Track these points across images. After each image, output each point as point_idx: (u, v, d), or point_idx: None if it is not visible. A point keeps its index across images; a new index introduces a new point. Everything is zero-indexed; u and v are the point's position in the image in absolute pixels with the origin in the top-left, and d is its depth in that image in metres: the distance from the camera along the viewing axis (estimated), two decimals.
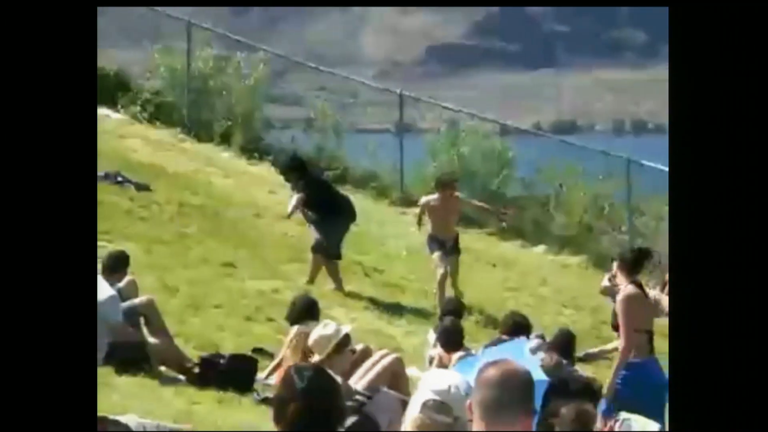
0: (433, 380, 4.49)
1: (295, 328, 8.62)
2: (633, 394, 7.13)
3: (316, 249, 12.19)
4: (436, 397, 4.36)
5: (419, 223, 13.21)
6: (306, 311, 8.99)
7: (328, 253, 12.21)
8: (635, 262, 8.18)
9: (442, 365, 8.99)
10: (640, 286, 8.02)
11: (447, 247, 12.70)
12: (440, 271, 12.46)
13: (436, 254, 12.60)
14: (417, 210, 13.41)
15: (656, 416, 6.03)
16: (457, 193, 13.18)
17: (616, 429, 4.70)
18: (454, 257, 12.76)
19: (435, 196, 12.92)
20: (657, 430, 4.74)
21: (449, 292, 12.24)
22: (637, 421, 4.82)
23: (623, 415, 4.91)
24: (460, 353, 9.35)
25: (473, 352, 9.67)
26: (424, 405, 4.37)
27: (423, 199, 13.29)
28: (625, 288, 7.88)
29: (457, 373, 5.12)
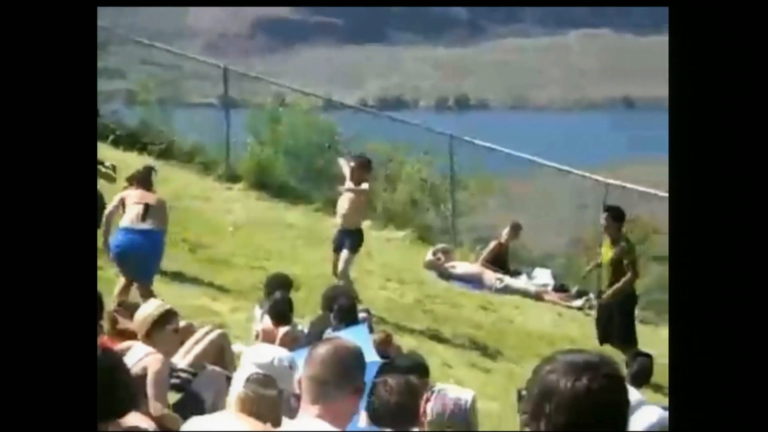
0: (255, 354, 4.51)
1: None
2: None
3: None
4: (259, 371, 4.38)
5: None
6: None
7: None
8: None
9: (269, 340, 9.00)
10: None
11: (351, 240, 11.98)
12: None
13: (344, 251, 11.90)
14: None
15: None
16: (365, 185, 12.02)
17: (432, 399, 4.82)
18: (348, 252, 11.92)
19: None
20: (471, 396, 4.89)
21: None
22: (452, 390, 4.96)
23: (438, 386, 5.05)
24: (286, 328, 9.38)
25: (299, 327, 9.73)
26: (248, 379, 4.39)
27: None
28: None
29: (281, 348, 5.15)
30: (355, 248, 11.99)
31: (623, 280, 11.72)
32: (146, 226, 10.06)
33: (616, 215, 11.97)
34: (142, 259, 10.02)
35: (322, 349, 3.83)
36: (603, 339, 11.95)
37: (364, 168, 12.07)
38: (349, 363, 3.82)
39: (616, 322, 11.87)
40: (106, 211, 10.11)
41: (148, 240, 10.07)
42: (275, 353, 4.54)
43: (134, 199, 10.25)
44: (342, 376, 3.77)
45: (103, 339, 7.47)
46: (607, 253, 11.97)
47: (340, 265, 11.86)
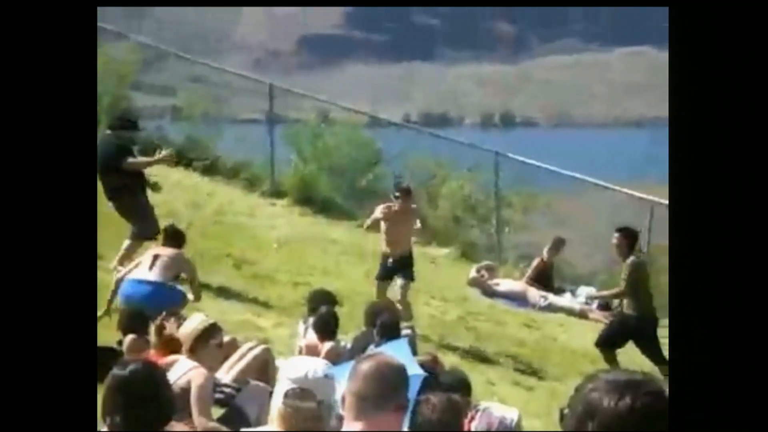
0: (290, 368, 4.51)
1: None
2: None
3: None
4: (295, 385, 4.38)
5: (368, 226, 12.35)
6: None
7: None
8: None
9: (313, 355, 9.00)
10: None
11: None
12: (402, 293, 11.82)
13: (400, 279, 11.94)
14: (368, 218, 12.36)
15: None
16: (413, 204, 12.31)
17: (477, 418, 4.81)
18: (405, 281, 11.99)
19: (389, 206, 12.05)
20: (516, 414, 4.88)
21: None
22: (497, 408, 4.94)
23: (482, 404, 5.03)
24: (331, 343, 9.39)
25: (342, 342, 9.73)
26: (286, 395, 4.39)
27: (376, 214, 12.18)
28: None
29: (317, 359, 5.15)
30: (412, 276, 12.10)
31: (612, 291, 11.92)
32: (151, 277, 10.15)
33: (627, 235, 11.94)
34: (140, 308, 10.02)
35: (364, 366, 3.83)
36: (599, 342, 12.08)
37: (408, 194, 12.20)
38: (391, 379, 3.81)
39: (642, 345, 11.89)
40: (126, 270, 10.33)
41: (149, 290, 10.11)
42: (309, 365, 4.53)
43: (151, 252, 10.47)
44: (384, 393, 3.76)
45: (150, 353, 7.53)
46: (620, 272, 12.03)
47: (401, 294, 11.90)
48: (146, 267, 10.21)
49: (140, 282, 10.07)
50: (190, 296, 10.47)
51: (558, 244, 16.36)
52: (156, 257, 10.31)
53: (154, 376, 4.20)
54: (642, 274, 11.88)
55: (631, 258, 11.84)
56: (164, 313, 8.14)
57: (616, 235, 11.97)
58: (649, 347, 11.80)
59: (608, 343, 12.00)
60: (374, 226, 12.25)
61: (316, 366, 4.44)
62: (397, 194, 12.22)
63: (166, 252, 10.47)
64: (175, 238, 10.79)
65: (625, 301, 11.98)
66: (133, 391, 4.03)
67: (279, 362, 8.69)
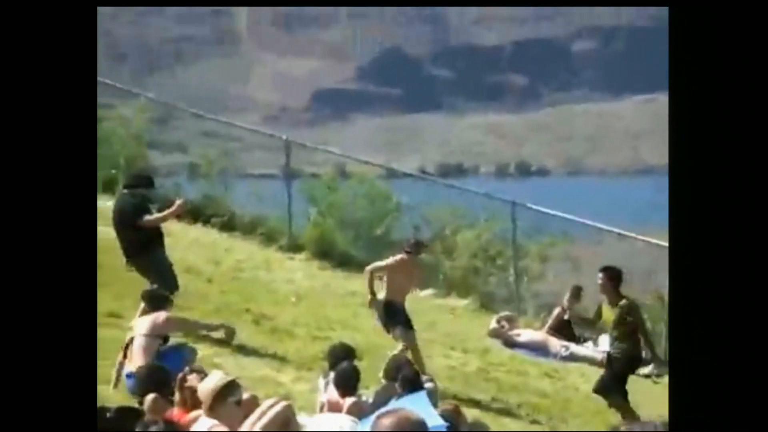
0: (315, 426, 4.47)
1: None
2: None
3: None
4: None
5: (371, 289, 12.09)
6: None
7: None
8: None
9: (335, 411, 8.95)
10: None
11: (405, 316, 12.02)
12: (405, 345, 11.74)
13: (399, 328, 11.90)
14: (368, 275, 12.15)
15: None
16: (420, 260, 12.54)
17: None
18: (413, 331, 12.04)
19: (399, 257, 12.10)
20: None
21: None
22: None
23: None
24: (353, 398, 9.33)
25: (364, 397, 9.67)
26: None
27: (384, 263, 12.23)
28: None
29: (341, 415, 5.11)
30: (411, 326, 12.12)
31: (633, 343, 11.74)
32: (130, 368, 9.68)
33: (611, 275, 11.87)
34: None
35: (385, 421, 3.89)
36: (597, 389, 12.06)
37: (417, 247, 12.34)
38: None
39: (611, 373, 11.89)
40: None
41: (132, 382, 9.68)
42: (334, 423, 4.49)
43: (127, 338, 10.03)
44: None
45: (173, 412, 7.48)
46: (608, 314, 11.90)
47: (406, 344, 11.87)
48: (127, 359, 9.83)
49: (129, 376, 9.69)
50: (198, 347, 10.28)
51: (577, 293, 16.29)
52: (127, 346, 9.87)
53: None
54: (636, 317, 11.81)
55: (623, 300, 11.78)
56: (186, 369, 8.09)
57: (600, 275, 11.90)
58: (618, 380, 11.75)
59: (606, 389, 11.91)
60: (379, 272, 12.24)
61: (342, 423, 4.40)
62: (408, 249, 12.26)
63: (141, 328, 9.93)
64: (153, 301, 10.40)
65: (615, 344, 11.91)
66: None
67: (300, 418, 8.64)
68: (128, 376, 9.71)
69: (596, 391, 12.09)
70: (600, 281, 11.88)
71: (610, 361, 12.01)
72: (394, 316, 12.06)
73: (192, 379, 7.71)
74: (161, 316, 10.04)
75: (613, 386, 11.88)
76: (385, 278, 12.20)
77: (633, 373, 12.15)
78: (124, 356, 9.78)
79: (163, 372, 8.53)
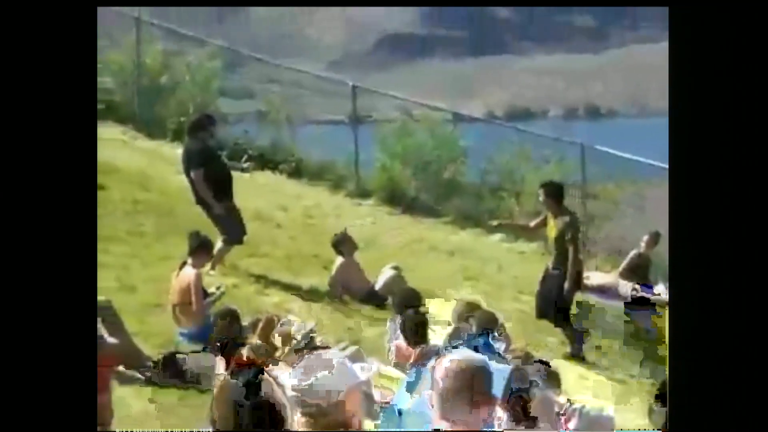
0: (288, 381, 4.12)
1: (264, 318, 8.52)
2: None
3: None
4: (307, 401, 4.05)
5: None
6: None
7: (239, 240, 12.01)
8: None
9: (403, 357, 8.99)
10: None
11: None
12: None
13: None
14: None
15: None
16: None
17: (575, 418, 4.76)
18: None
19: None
20: (612, 411, 4.83)
21: None
22: (593, 409, 4.89)
23: (577, 404, 4.99)
24: (422, 345, 9.33)
25: (434, 344, 9.66)
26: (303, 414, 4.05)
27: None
28: None
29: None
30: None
31: (570, 259, 11.69)
32: (183, 330, 10.18)
33: (549, 192, 11.73)
34: None
35: (447, 365, 3.89)
36: (540, 314, 12.10)
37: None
38: (474, 377, 3.85)
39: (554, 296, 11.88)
40: None
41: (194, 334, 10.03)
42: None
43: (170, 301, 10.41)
44: (468, 390, 3.81)
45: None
46: (551, 228, 11.83)
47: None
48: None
49: (182, 334, 10.10)
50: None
51: (655, 238, 16.14)
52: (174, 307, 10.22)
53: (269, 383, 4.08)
54: (574, 232, 11.74)
55: (566, 217, 11.68)
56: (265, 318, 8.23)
57: (540, 190, 11.80)
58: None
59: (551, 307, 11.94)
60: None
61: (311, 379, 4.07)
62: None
63: (177, 292, 10.26)
64: (194, 245, 10.47)
65: (552, 258, 11.79)
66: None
67: (368, 364, 8.68)
68: (181, 334, 9.92)
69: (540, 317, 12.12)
70: (540, 197, 11.84)
71: (552, 278, 11.92)
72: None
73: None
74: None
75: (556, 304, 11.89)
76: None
77: (579, 288, 12.23)
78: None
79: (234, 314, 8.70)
